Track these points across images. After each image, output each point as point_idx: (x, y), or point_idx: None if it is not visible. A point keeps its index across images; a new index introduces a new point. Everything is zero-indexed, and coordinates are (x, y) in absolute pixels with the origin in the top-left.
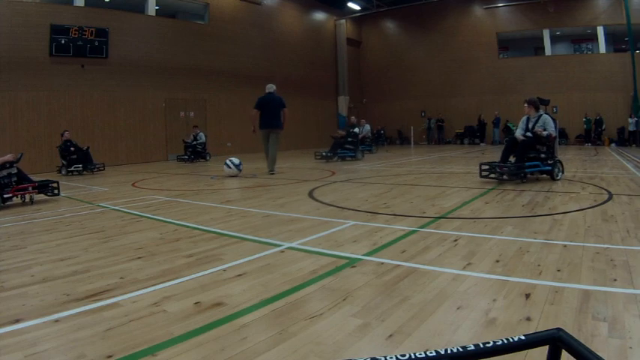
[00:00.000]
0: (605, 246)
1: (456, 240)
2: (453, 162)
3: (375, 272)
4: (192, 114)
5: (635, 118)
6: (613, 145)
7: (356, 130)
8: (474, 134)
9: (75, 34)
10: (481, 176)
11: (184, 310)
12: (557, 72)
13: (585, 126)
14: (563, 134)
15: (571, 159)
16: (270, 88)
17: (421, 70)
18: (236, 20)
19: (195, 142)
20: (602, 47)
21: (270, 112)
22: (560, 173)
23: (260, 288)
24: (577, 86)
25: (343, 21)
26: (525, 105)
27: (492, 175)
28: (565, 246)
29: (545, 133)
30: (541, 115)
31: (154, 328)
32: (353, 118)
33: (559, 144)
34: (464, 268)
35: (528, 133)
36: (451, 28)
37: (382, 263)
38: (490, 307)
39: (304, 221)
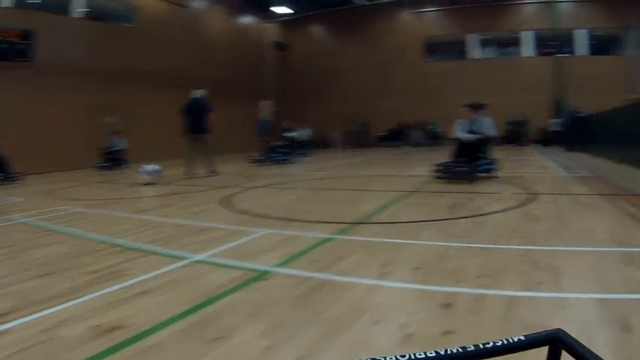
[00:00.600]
0: (530, 247)
1: (372, 247)
2: (376, 165)
3: (286, 285)
4: (116, 119)
5: (558, 119)
6: (536, 145)
7: (293, 134)
8: (398, 137)
9: None
10: (436, 177)
11: (82, 334)
12: (483, 75)
13: (509, 127)
14: None
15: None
16: (196, 93)
17: (348, 73)
18: (163, 23)
19: (114, 149)
20: (528, 51)
21: (195, 117)
22: (498, 171)
23: (163, 307)
24: (502, 89)
25: (270, 24)
26: (466, 109)
27: (444, 176)
28: (487, 249)
29: (490, 133)
30: (481, 117)
31: (49, 356)
32: (286, 122)
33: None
34: (380, 278)
35: (474, 134)
36: (379, 33)
37: (293, 275)
38: (408, 320)
39: (216, 231)
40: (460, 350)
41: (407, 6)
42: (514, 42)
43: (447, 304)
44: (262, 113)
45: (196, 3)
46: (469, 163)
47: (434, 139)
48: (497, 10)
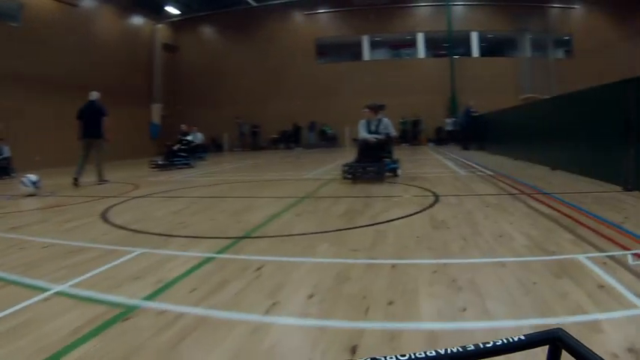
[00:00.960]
0: (443, 261)
1: (259, 268)
2: (266, 168)
3: (153, 327)
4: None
5: (453, 118)
6: (430, 144)
7: (189, 137)
8: (289, 139)
9: None
10: (344, 178)
11: None
12: (375, 76)
13: (403, 126)
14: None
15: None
16: (92, 95)
17: (238, 75)
18: (52, 23)
19: (1, 157)
20: (421, 52)
21: (88, 121)
22: (399, 170)
23: None
24: (396, 90)
25: (160, 25)
26: (366, 110)
27: (352, 177)
28: (394, 266)
29: (393, 134)
30: (381, 118)
31: None
32: (184, 126)
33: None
34: (268, 312)
35: (377, 135)
36: (270, 34)
37: (164, 312)
38: None
39: (87, 251)
40: (460, 350)
41: (298, 7)
42: (408, 43)
43: (353, 347)
44: (153, 117)
45: (86, 2)
46: (376, 163)
47: (326, 140)
48: (391, 13)
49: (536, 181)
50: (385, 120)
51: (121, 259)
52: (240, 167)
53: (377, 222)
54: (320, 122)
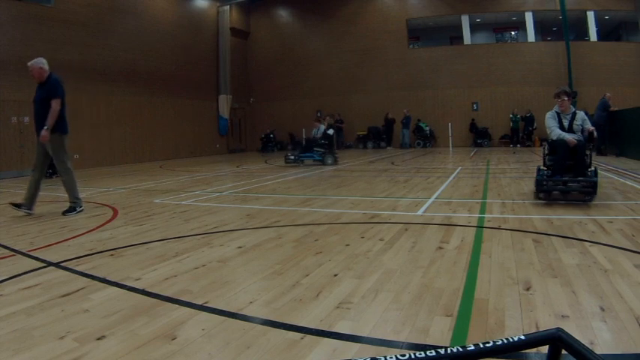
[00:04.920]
0: None
1: None
2: (346, 185)
3: None
4: (27, 119)
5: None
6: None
7: (330, 131)
8: (380, 136)
9: None
10: (538, 198)
11: None
12: (478, 63)
13: (512, 124)
14: (485, 134)
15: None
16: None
17: (318, 63)
18: (91, 2)
19: None
20: (530, 36)
21: (36, 108)
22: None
23: None
24: (502, 79)
25: (227, 7)
26: (564, 98)
27: (547, 196)
28: None
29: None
30: (575, 111)
31: None
32: (329, 117)
33: (483, 145)
34: None
35: (576, 135)
36: (353, 15)
37: None
38: None
39: None
40: (460, 350)
41: None
42: (514, 26)
43: None
44: (221, 110)
45: None
46: (580, 175)
47: (423, 139)
48: None
49: None
50: (581, 113)
51: None
52: (301, 180)
53: None
54: (414, 117)
